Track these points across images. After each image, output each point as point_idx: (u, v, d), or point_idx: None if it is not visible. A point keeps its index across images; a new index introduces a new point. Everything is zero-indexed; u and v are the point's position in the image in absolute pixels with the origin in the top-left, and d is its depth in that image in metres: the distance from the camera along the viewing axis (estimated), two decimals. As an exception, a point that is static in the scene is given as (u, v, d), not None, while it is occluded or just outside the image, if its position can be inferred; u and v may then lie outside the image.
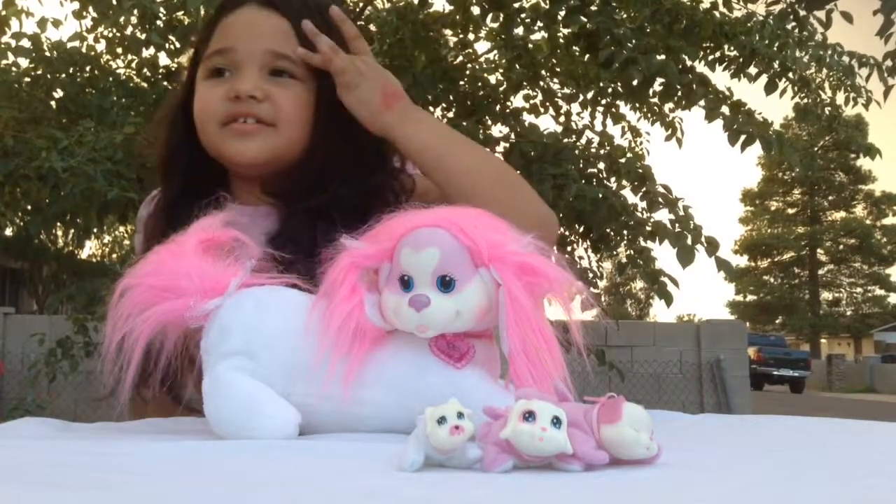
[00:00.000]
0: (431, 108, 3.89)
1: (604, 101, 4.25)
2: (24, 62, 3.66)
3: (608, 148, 3.97)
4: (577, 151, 3.91)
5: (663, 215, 3.46)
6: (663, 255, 3.57)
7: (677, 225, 3.31)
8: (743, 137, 3.17)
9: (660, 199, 3.45)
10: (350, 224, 0.73)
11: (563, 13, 3.21)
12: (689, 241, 3.19)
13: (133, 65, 4.04)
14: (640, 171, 3.59)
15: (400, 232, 0.67)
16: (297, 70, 1.04)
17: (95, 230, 4.30)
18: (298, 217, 1.02)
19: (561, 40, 3.85)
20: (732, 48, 3.59)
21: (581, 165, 3.77)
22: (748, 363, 8.13)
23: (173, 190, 1.09)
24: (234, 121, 1.02)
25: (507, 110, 4.25)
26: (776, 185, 38.18)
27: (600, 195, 3.35)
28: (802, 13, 3.38)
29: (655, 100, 3.81)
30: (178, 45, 3.58)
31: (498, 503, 0.45)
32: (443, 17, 4.29)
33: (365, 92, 1.02)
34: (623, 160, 3.74)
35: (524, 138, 3.73)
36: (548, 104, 4.34)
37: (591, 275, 4.11)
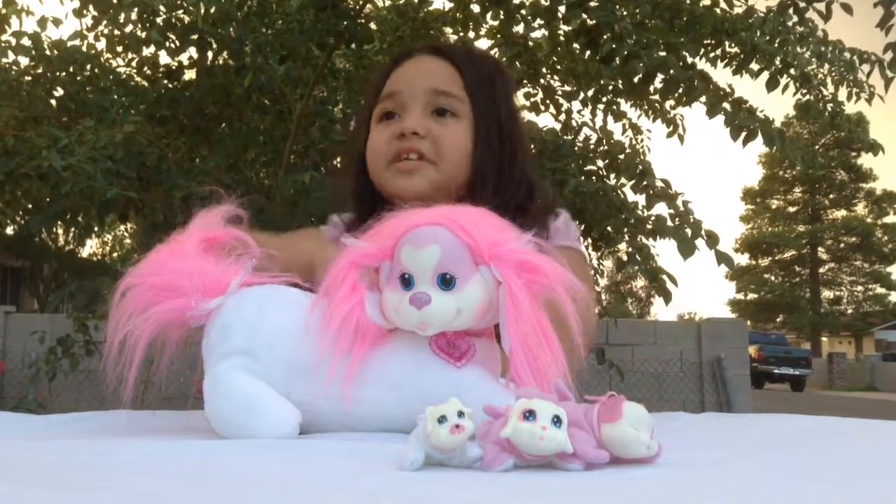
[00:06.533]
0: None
1: (604, 99, 4.24)
2: (24, 61, 3.66)
3: (606, 147, 3.97)
4: (576, 148, 3.90)
5: (662, 210, 3.45)
6: (662, 252, 3.56)
7: (677, 219, 3.30)
8: (745, 133, 3.17)
9: (659, 190, 3.44)
10: None
11: (563, 9, 3.20)
12: (689, 235, 3.18)
13: (133, 63, 4.04)
14: (640, 166, 3.59)
15: (400, 230, 0.67)
16: (459, 107, 1.10)
17: (96, 229, 4.30)
18: None
19: (561, 37, 3.84)
20: (733, 45, 3.58)
21: (580, 162, 3.76)
22: (749, 362, 8.11)
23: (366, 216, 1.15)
24: (399, 159, 1.08)
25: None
26: (777, 184, 38.14)
27: (600, 192, 3.34)
28: (802, 5, 3.36)
29: (656, 97, 3.80)
30: (178, 43, 3.58)
31: (498, 503, 0.45)
32: (443, 15, 4.28)
33: None
34: (622, 156, 3.73)
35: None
36: (548, 102, 4.33)
37: (592, 273, 4.10)
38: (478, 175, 1.09)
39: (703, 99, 3.18)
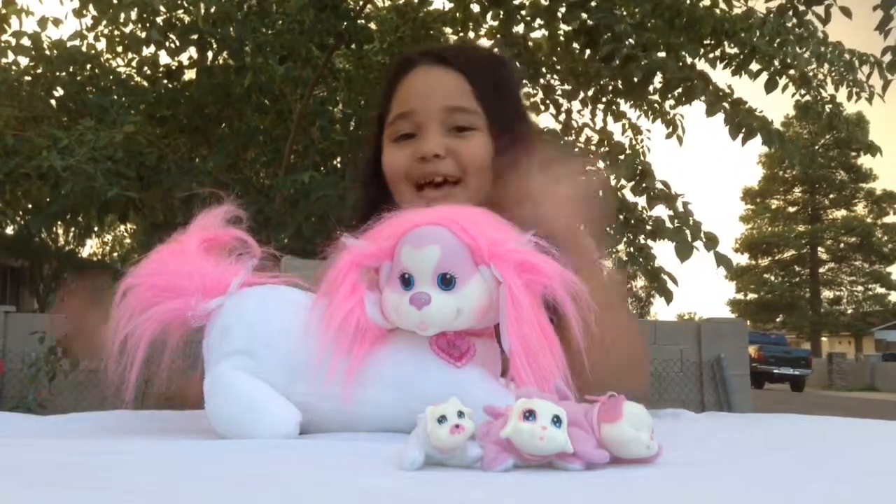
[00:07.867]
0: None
1: (604, 99, 4.24)
2: (24, 61, 3.66)
3: (606, 147, 3.97)
4: (576, 149, 3.91)
5: (662, 211, 3.46)
6: (663, 252, 3.57)
7: (676, 221, 3.30)
8: (744, 131, 3.18)
9: (659, 192, 3.45)
10: None
11: (563, 10, 3.21)
12: (688, 237, 3.19)
13: (133, 63, 4.05)
14: (640, 167, 3.59)
15: (400, 230, 0.67)
16: (475, 120, 1.09)
17: (96, 228, 4.30)
18: None
19: (561, 37, 3.85)
20: (733, 45, 3.59)
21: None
22: (749, 361, 8.10)
23: None
24: (424, 184, 1.08)
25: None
26: (777, 184, 38.14)
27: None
28: (801, 8, 3.38)
29: (656, 97, 3.81)
30: (178, 43, 3.58)
31: (498, 503, 0.45)
32: (443, 15, 4.29)
33: None
34: (622, 157, 3.74)
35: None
36: (548, 102, 4.33)
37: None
38: (502, 186, 1.07)
39: (703, 98, 3.19)
